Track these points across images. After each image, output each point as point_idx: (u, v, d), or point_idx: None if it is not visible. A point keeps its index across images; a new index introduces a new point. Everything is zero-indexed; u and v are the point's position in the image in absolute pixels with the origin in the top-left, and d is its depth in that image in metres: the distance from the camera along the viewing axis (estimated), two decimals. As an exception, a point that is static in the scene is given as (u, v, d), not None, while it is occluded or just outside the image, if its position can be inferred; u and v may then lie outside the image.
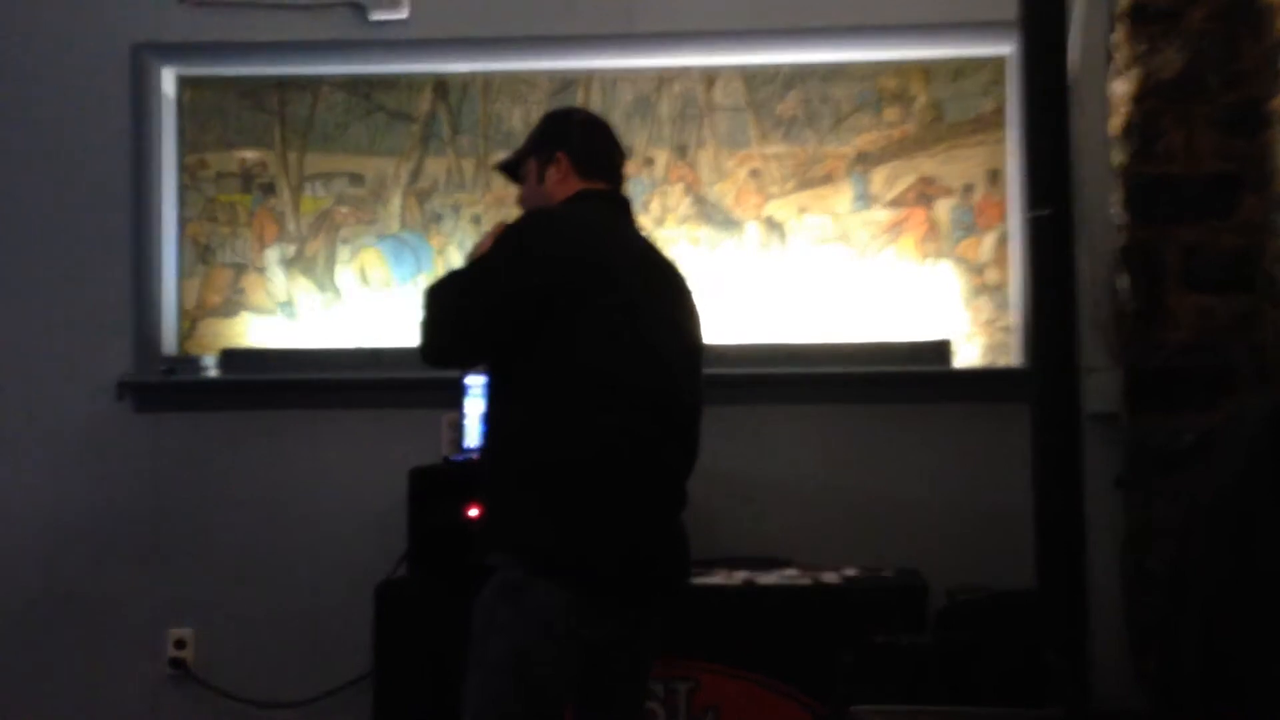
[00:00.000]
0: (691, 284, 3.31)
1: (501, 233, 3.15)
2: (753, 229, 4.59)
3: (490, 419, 3.15)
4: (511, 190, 4.55)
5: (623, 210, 3.29)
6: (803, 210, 4.59)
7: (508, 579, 2.95)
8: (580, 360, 2.99)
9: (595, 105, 4.60)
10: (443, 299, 3.11)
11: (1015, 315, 4.46)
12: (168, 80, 4.73)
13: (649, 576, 3.07)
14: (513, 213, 4.43)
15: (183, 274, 4.74)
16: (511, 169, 3.38)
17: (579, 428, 2.97)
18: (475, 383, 4.30)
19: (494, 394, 3.14)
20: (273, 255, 4.74)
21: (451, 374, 4.31)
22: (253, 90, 4.76)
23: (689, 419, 3.16)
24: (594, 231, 3.14)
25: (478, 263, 3.12)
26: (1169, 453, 3.93)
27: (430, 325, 3.11)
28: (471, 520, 3.99)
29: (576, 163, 3.23)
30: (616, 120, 4.54)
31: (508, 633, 2.93)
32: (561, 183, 3.22)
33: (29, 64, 4.71)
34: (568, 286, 2.99)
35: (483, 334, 3.07)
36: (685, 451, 3.16)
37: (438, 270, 4.66)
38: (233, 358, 4.67)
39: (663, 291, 3.19)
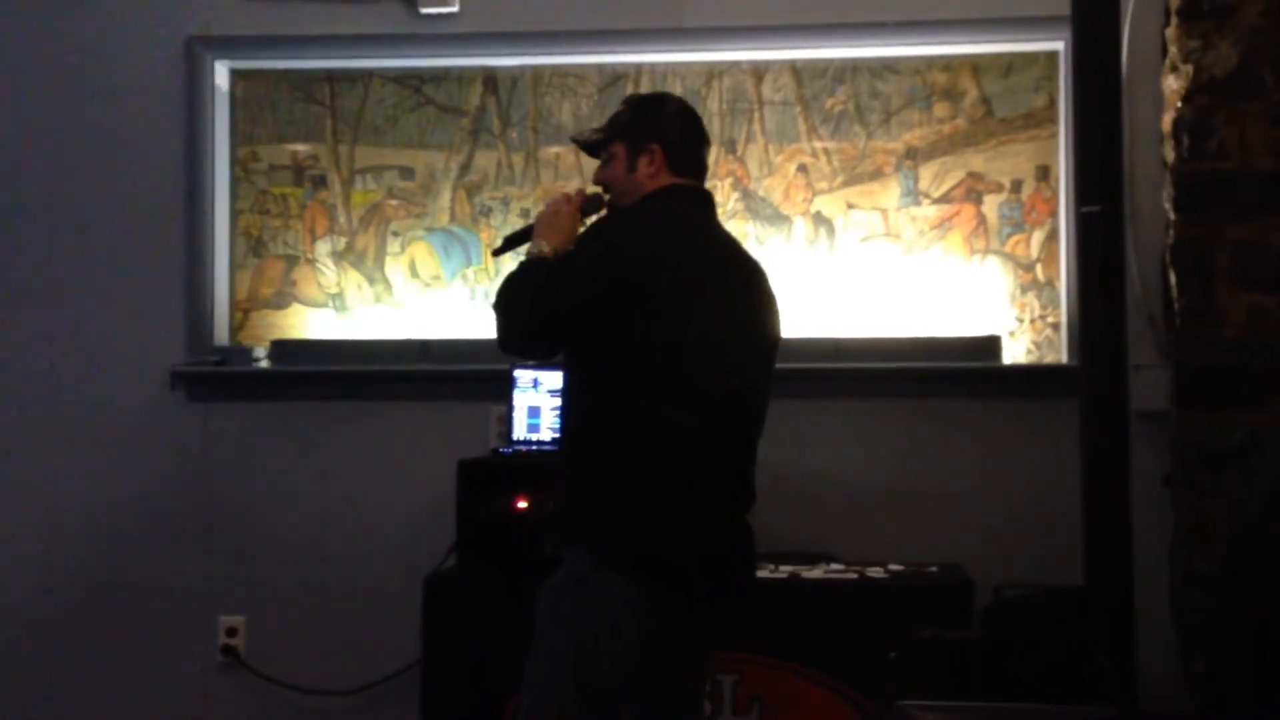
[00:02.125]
0: (771, 281, 3.31)
1: (592, 229, 3.15)
2: (801, 224, 4.59)
3: (566, 413, 3.16)
4: (560, 184, 4.63)
5: (709, 207, 3.28)
6: (851, 206, 4.58)
7: (575, 571, 2.96)
8: (659, 358, 2.99)
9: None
10: (526, 289, 3.07)
11: (1064, 311, 4.45)
12: (221, 73, 4.76)
13: (716, 573, 3.06)
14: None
15: (235, 266, 4.78)
16: (590, 146, 3.34)
17: (653, 424, 2.98)
18: (524, 376, 4.32)
19: (570, 388, 3.14)
20: (323, 248, 4.77)
21: (501, 366, 4.34)
22: (304, 83, 4.79)
23: (758, 418, 3.18)
24: (685, 232, 3.12)
25: (566, 257, 3.09)
26: (1218, 451, 3.91)
27: (512, 314, 3.07)
28: (527, 511, 4.04)
29: (670, 157, 3.20)
30: (666, 114, 4.57)
31: (571, 625, 2.95)
32: (654, 177, 3.18)
33: (84, 58, 4.76)
34: (656, 286, 2.99)
35: (566, 327, 3.03)
36: (750, 449, 3.17)
37: (487, 264, 4.69)
38: (284, 349, 4.70)
39: (745, 291, 3.19)
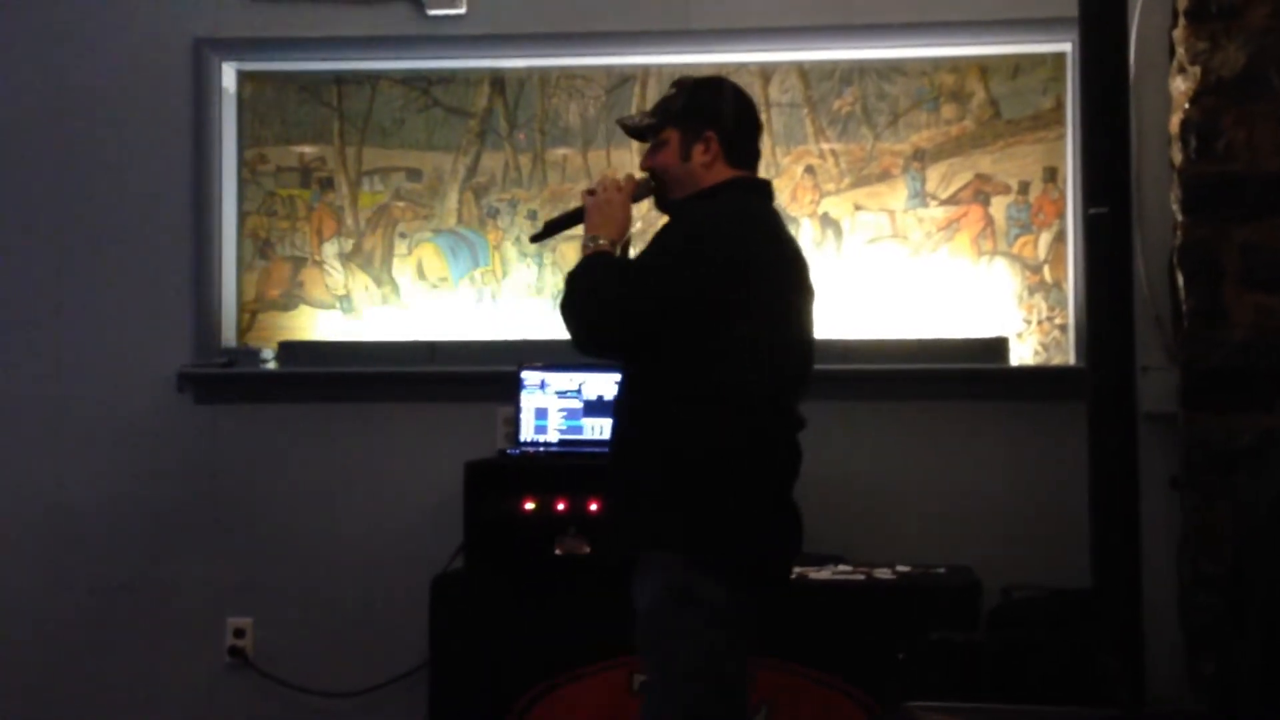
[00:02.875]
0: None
1: (671, 228, 3.06)
2: (808, 226, 4.59)
3: (632, 414, 3.07)
4: (568, 186, 4.63)
5: (770, 199, 3.21)
6: (858, 207, 4.58)
7: (673, 581, 2.90)
8: (744, 358, 2.94)
9: (652, 101, 4.57)
10: (601, 289, 2.97)
11: (1071, 313, 4.44)
12: (228, 75, 4.77)
13: (788, 568, 3.09)
14: (568, 208, 4.48)
15: (242, 267, 4.79)
16: (639, 131, 3.24)
17: (740, 425, 2.94)
18: (531, 377, 4.32)
19: (640, 390, 3.05)
20: (331, 249, 4.77)
21: (508, 368, 4.35)
22: (312, 85, 4.80)
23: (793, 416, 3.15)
24: (761, 232, 3.06)
25: (644, 257, 3.01)
26: (1226, 453, 3.92)
27: (592, 315, 2.98)
28: (534, 513, 4.04)
29: (726, 146, 3.10)
30: (673, 116, 4.57)
31: (692, 636, 2.88)
32: (709, 166, 3.09)
33: (92, 59, 4.76)
34: (739, 288, 2.94)
35: (649, 327, 2.93)
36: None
37: (494, 265, 4.69)
38: (291, 350, 4.71)
39: (804, 287, 3.15)
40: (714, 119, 3.10)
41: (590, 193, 3.18)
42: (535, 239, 3.38)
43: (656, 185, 3.18)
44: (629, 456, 3.05)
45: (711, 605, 2.88)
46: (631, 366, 3.07)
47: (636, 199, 3.19)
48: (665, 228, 3.10)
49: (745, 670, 3.00)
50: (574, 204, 3.35)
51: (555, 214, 3.43)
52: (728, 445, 2.93)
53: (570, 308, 3.01)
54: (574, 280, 3.04)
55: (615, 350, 3.06)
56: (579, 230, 3.21)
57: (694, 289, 2.91)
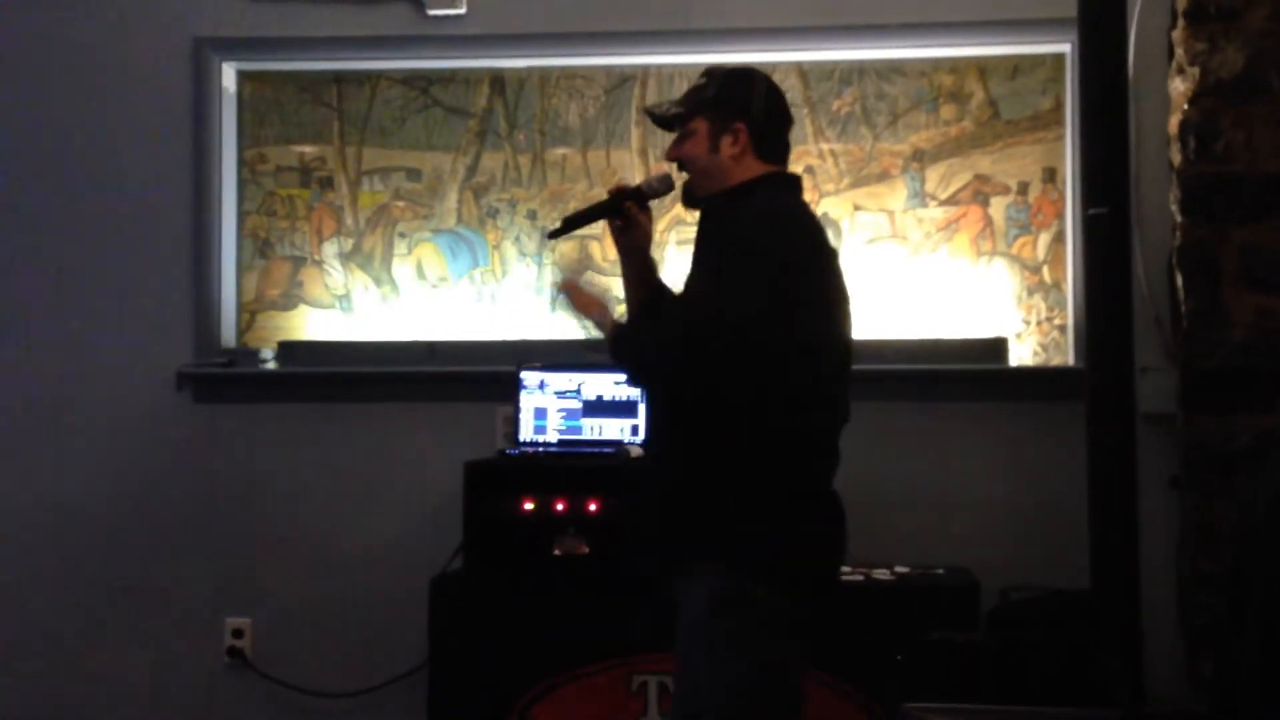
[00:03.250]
0: None
1: (718, 234, 2.94)
2: (808, 225, 4.58)
3: (681, 422, 2.95)
4: (567, 186, 4.63)
5: (802, 195, 3.14)
6: (858, 207, 4.58)
7: (725, 591, 2.82)
8: (801, 364, 2.87)
9: (651, 101, 4.60)
10: (664, 324, 2.89)
11: (1070, 314, 4.45)
12: (228, 75, 4.77)
13: (838, 574, 3.05)
14: (568, 207, 4.49)
15: (242, 267, 4.79)
16: (667, 120, 3.12)
17: (796, 432, 2.88)
18: (531, 377, 4.32)
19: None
20: (330, 249, 4.77)
21: (507, 368, 4.36)
22: (311, 85, 4.80)
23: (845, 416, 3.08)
24: (810, 231, 3.00)
25: (703, 276, 2.91)
26: (1225, 454, 3.92)
27: (655, 359, 2.88)
28: (533, 513, 4.04)
29: (756, 139, 3.01)
30: (672, 116, 4.57)
31: (744, 645, 2.82)
32: (738, 159, 3.00)
33: (92, 58, 4.76)
34: (799, 290, 2.86)
35: (724, 344, 2.81)
36: None
37: (493, 265, 4.69)
38: (290, 350, 4.71)
39: (844, 285, 3.06)
40: (744, 110, 3.01)
41: (563, 291, 3.16)
42: (553, 235, 3.25)
43: (686, 181, 3.10)
44: (676, 464, 2.95)
45: (765, 612, 2.82)
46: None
47: (656, 193, 3.14)
48: (711, 233, 3.02)
49: (801, 680, 2.92)
50: (594, 200, 3.29)
51: (570, 212, 3.36)
52: (784, 455, 2.87)
53: (626, 355, 2.95)
54: (621, 355, 2.96)
55: (700, 374, 2.88)
56: (593, 229, 3.18)
57: (766, 296, 2.81)
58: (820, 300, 2.93)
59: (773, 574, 2.83)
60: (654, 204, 3.21)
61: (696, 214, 3.13)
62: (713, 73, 3.12)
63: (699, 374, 2.83)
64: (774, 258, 2.84)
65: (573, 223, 3.17)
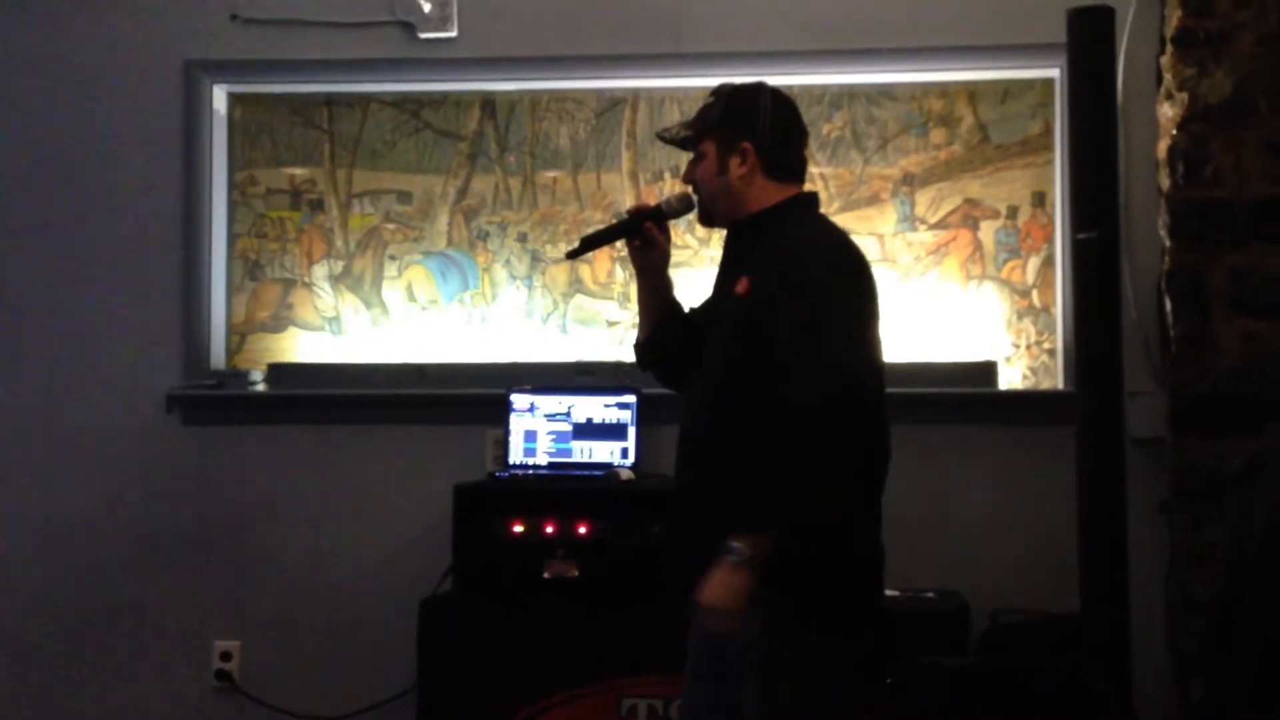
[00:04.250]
0: None
1: (810, 269, 2.81)
2: (798, 249, 4.59)
3: (727, 444, 2.86)
4: (557, 209, 4.64)
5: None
6: (848, 231, 4.57)
7: (777, 623, 2.74)
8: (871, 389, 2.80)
9: (642, 125, 4.62)
10: (826, 411, 2.70)
11: (1060, 337, 4.45)
12: (219, 97, 4.77)
13: (884, 608, 2.97)
14: (558, 230, 4.49)
15: (232, 289, 4.78)
16: (680, 144, 3.07)
17: (865, 468, 2.81)
18: (520, 400, 4.33)
19: (745, 422, 2.83)
20: (321, 271, 4.77)
21: (497, 390, 4.36)
22: (302, 107, 4.80)
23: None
24: (861, 253, 2.94)
25: (839, 317, 2.77)
26: (1214, 478, 3.92)
27: (841, 420, 2.71)
28: (523, 536, 4.03)
29: (765, 159, 2.94)
30: (663, 140, 4.58)
31: (795, 672, 2.76)
32: (748, 180, 2.93)
33: (83, 80, 4.76)
34: (870, 316, 2.85)
35: (874, 392, 2.76)
36: None
37: (484, 288, 4.69)
38: (280, 372, 4.70)
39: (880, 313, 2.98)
40: (750, 128, 2.93)
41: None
42: (572, 255, 3.19)
43: (700, 203, 3.05)
44: (720, 494, 2.83)
45: (815, 639, 2.76)
46: (738, 397, 2.85)
47: (676, 214, 3.10)
48: (749, 263, 2.91)
49: (851, 712, 2.85)
50: (614, 220, 3.29)
51: (571, 237, 3.34)
52: (858, 477, 2.80)
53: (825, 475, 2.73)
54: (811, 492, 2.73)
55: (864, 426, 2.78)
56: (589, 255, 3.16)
57: (865, 332, 2.79)
58: (876, 326, 2.88)
59: (824, 604, 2.77)
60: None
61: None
62: (720, 91, 3.04)
63: (863, 427, 2.75)
64: (865, 277, 2.83)
65: (592, 242, 3.15)
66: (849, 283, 2.82)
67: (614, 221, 3.20)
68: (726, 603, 2.69)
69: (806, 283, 2.77)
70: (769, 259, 2.86)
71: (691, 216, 3.15)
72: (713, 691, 2.91)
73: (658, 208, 3.12)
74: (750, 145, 2.93)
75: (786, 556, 2.69)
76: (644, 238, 3.09)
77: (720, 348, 2.92)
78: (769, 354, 2.77)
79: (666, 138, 3.11)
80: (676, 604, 2.88)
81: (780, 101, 3.02)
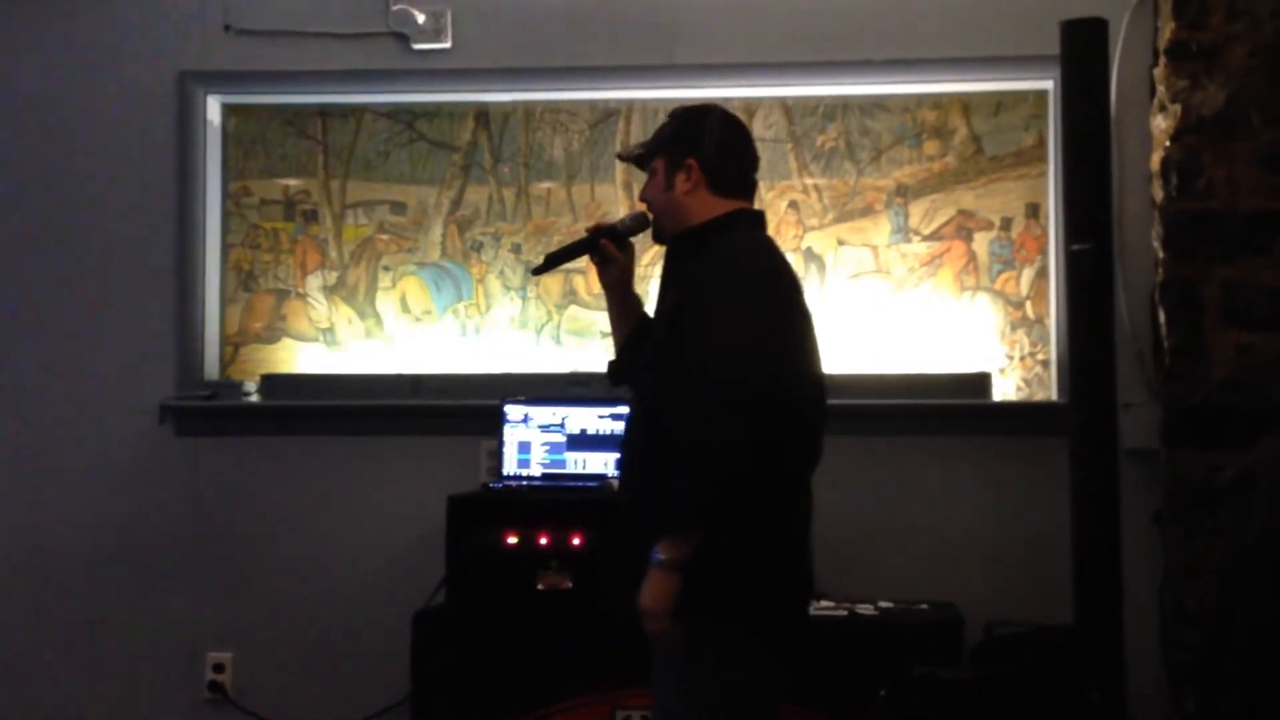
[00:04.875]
0: None
1: (716, 281, 2.85)
2: (791, 260, 4.58)
3: (660, 458, 2.85)
4: (551, 220, 4.64)
5: (765, 230, 3.11)
6: (841, 242, 4.60)
7: (694, 630, 2.79)
8: (784, 401, 2.80)
9: (635, 136, 4.62)
10: (722, 416, 2.73)
11: (1054, 349, 4.45)
12: (213, 108, 4.77)
13: (808, 616, 3.02)
14: (552, 241, 4.50)
15: (225, 300, 4.78)
16: (637, 161, 3.14)
17: (775, 473, 2.81)
18: (514, 411, 4.32)
19: (661, 435, 2.86)
20: (314, 282, 4.77)
21: (491, 401, 4.35)
22: (296, 118, 4.80)
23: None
24: (784, 266, 3.00)
25: (741, 329, 2.80)
26: (1207, 490, 3.93)
27: (737, 424, 2.72)
28: (517, 547, 4.03)
29: (708, 173, 2.98)
30: (657, 151, 4.58)
31: (718, 679, 2.82)
32: (692, 194, 2.98)
33: (77, 91, 4.76)
34: (780, 327, 2.87)
35: (770, 396, 2.74)
36: None
37: (478, 299, 4.69)
38: (274, 383, 4.70)
39: (811, 324, 3.03)
40: (695, 146, 2.99)
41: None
42: (537, 271, 3.29)
43: (654, 220, 3.10)
44: (642, 505, 2.90)
45: (736, 651, 2.81)
46: (652, 409, 2.92)
47: (631, 231, 3.16)
48: (679, 275, 2.97)
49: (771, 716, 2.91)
50: (574, 238, 3.33)
51: (554, 248, 3.39)
52: (771, 491, 2.82)
53: (728, 487, 2.76)
54: (717, 500, 2.76)
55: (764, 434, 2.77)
56: (578, 263, 3.22)
57: (771, 341, 2.81)
58: (794, 339, 2.92)
59: (749, 615, 2.81)
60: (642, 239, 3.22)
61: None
62: (674, 112, 3.14)
63: (766, 435, 2.74)
64: (758, 302, 2.84)
65: (554, 260, 3.22)
66: (757, 295, 2.85)
67: (575, 240, 3.25)
68: (653, 606, 2.77)
69: (713, 296, 2.84)
70: (692, 273, 2.92)
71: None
72: (658, 692, 2.97)
73: (613, 226, 3.19)
74: (694, 161, 2.98)
75: (706, 562, 2.75)
76: (602, 254, 3.16)
77: (647, 361, 2.99)
78: (684, 366, 2.83)
79: (624, 156, 3.23)
80: (610, 611, 2.98)
81: (728, 122, 3.09)
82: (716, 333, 2.79)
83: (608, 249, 3.15)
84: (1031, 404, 4.47)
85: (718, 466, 2.71)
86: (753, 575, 2.81)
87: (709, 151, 3.00)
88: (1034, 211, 4.54)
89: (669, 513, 2.77)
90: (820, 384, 3.00)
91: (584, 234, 3.23)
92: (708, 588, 2.77)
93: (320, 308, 4.76)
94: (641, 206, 3.16)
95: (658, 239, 3.12)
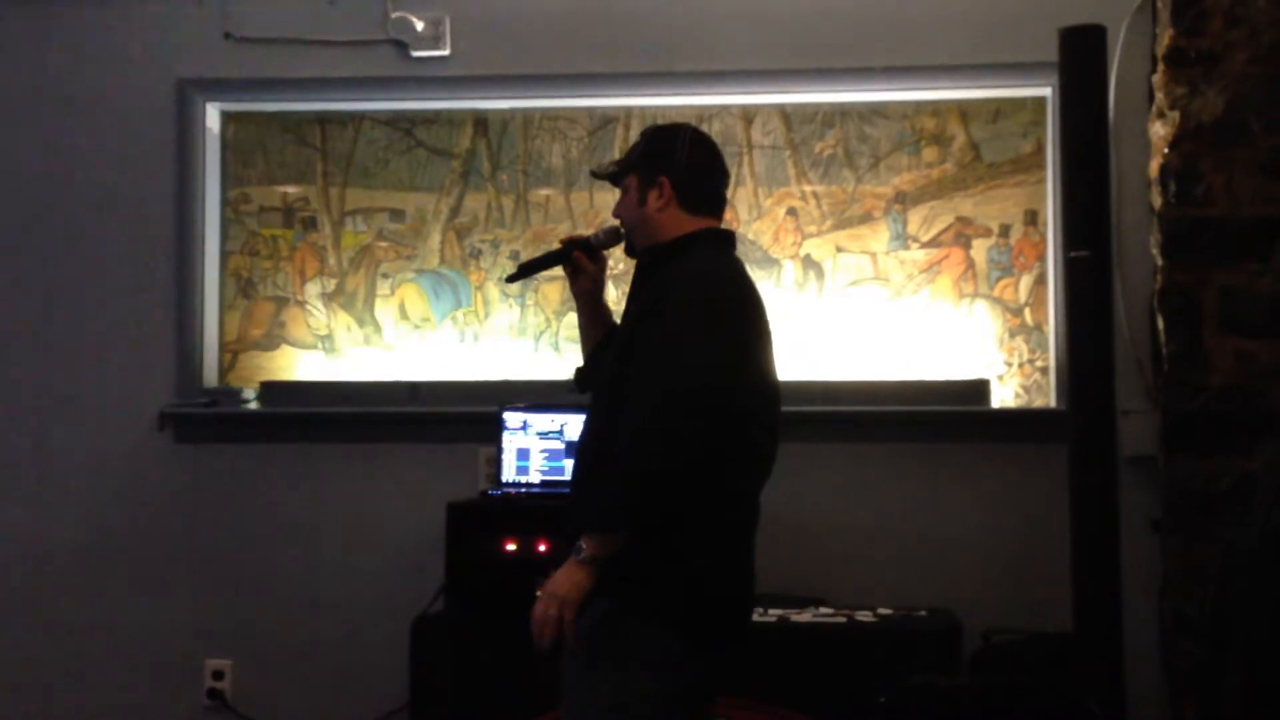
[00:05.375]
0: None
1: (678, 293, 2.89)
2: (790, 267, 4.60)
3: (601, 460, 2.92)
4: (550, 227, 4.65)
5: (734, 247, 3.15)
6: (840, 249, 4.60)
7: (612, 623, 2.85)
8: (735, 418, 2.86)
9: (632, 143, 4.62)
10: (663, 408, 2.77)
11: (1052, 356, 4.46)
12: (212, 115, 4.78)
13: (746, 620, 3.04)
14: (547, 248, 4.49)
15: (224, 307, 4.78)
16: (610, 178, 3.19)
17: (723, 482, 2.87)
18: (513, 418, 4.32)
19: (606, 436, 2.91)
20: (313, 289, 4.77)
21: (489, 409, 4.35)
22: (295, 125, 4.81)
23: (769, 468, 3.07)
24: (746, 283, 3.04)
25: (697, 341, 2.83)
26: (1206, 497, 3.92)
27: (676, 433, 2.76)
28: (515, 554, 4.03)
29: (680, 191, 3.04)
30: (655, 158, 4.58)
31: (617, 675, 2.84)
32: (663, 211, 3.03)
33: (76, 99, 4.76)
34: (739, 344, 2.92)
35: (712, 406, 2.79)
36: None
37: (476, 306, 4.69)
38: (273, 390, 4.70)
39: (770, 342, 3.07)
40: (667, 164, 3.05)
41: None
42: (511, 279, 3.35)
43: (626, 235, 3.16)
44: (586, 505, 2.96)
45: (648, 649, 2.85)
46: (606, 415, 2.96)
47: (604, 245, 3.22)
48: (647, 289, 3.01)
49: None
50: (550, 247, 3.37)
51: (532, 256, 3.43)
52: (708, 504, 2.87)
53: (652, 490, 2.81)
54: (640, 498, 2.82)
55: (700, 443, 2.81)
56: (557, 271, 3.25)
57: (723, 353, 2.86)
58: (749, 357, 2.95)
59: (667, 614, 2.84)
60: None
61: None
62: (646, 130, 3.25)
63: (698, 444, 2.79)
64: (707, 315, 2.88)
65: (527, 269, 3.31)
66: (714, 310, 2.89)
67: (550, 250, 3.29)
68: (561, 592, 2.82)
69: (671, 308, 2.89)
70: (657, 287, 2.97)
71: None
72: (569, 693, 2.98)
73: (587, 239, 3.23)
74: (667, 179, 3.04)
75: (624, 561, 2.81)
76: (574, 266, 3.22)
77: (607, 370, 3.05)
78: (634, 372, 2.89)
79: (597, 174, 3.27)
80: None
81: (700, 141, 3.16)
82: (668, 343, 2.84)
83: (580, 261, 3.21)
84: (1030, 411, 4.47)
85: (646, 467, 2.77)
86: (676, 577, 2.85)
87: (680, 170, 3.06)
88: (1032, 218, 4.54)
89: (595, 511, 2.85)
90: (775, 402, 3.03)
91: (558, 244, 3.28)
92: (626, 584, 2.83)
93: (319, 315, 4.77)
94: (615, 221, 3.20)
95: (630, 253, 3.17)
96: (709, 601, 2.90)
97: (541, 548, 4.03)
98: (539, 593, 2.88)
